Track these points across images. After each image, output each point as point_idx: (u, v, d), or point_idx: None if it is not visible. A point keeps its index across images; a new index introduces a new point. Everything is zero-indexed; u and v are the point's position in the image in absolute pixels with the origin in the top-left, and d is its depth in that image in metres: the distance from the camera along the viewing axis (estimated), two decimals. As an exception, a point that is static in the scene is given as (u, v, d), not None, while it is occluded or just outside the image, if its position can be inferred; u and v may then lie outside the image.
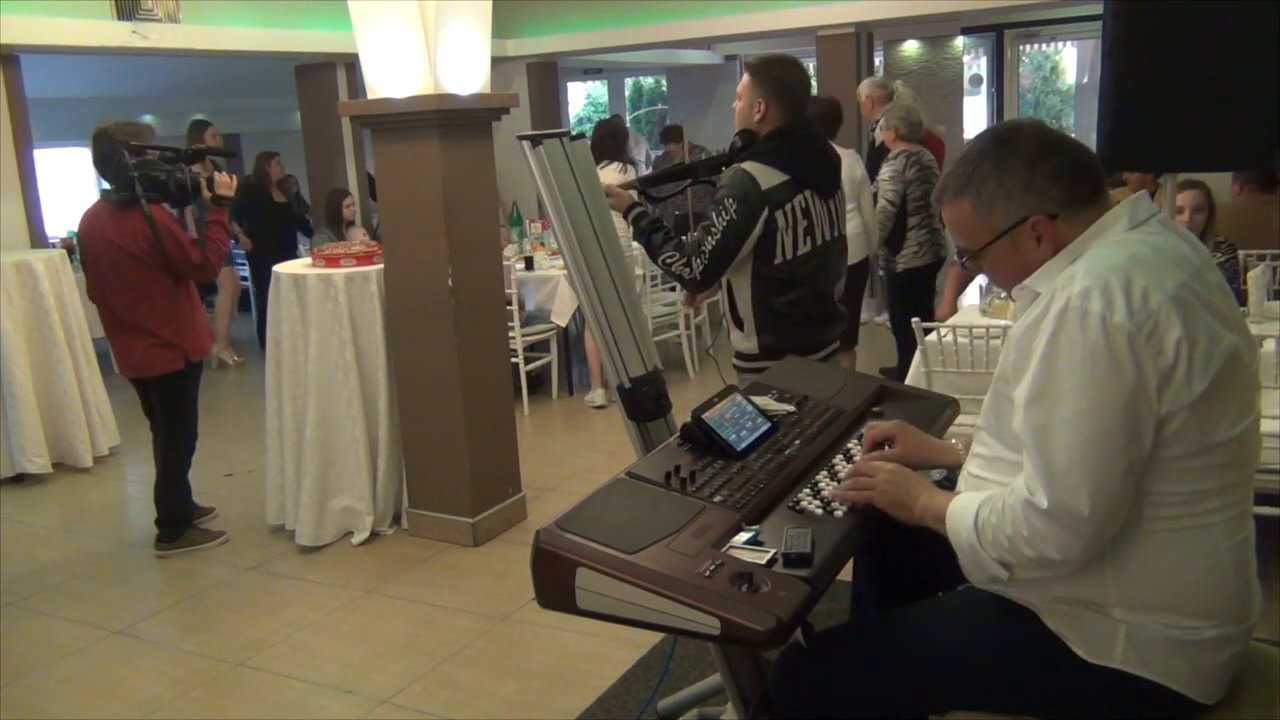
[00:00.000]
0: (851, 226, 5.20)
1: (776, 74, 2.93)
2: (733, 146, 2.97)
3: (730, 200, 2.83)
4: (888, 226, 5.44)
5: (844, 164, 5.13)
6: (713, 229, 2.84)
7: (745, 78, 2.97)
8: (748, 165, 2.87)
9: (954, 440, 2.03)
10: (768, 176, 2.85)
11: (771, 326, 2.95)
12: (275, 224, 8.03)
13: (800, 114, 2.97)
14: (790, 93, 2.93)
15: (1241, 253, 4.05)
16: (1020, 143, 1.66)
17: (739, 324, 3.01)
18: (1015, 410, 1.58)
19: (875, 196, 5.48)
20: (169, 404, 4.16)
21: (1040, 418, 1.53)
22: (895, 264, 5.60)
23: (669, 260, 2.90)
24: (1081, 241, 1.62)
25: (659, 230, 2.98)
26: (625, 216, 2.95)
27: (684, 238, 2.97)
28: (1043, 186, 1.63)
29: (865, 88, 6.25)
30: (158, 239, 3.89)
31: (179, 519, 4.26)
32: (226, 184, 4.07)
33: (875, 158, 5.98)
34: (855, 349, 5.62)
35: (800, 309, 2.95)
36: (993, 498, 1.61)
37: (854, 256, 5.23)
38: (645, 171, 9.27)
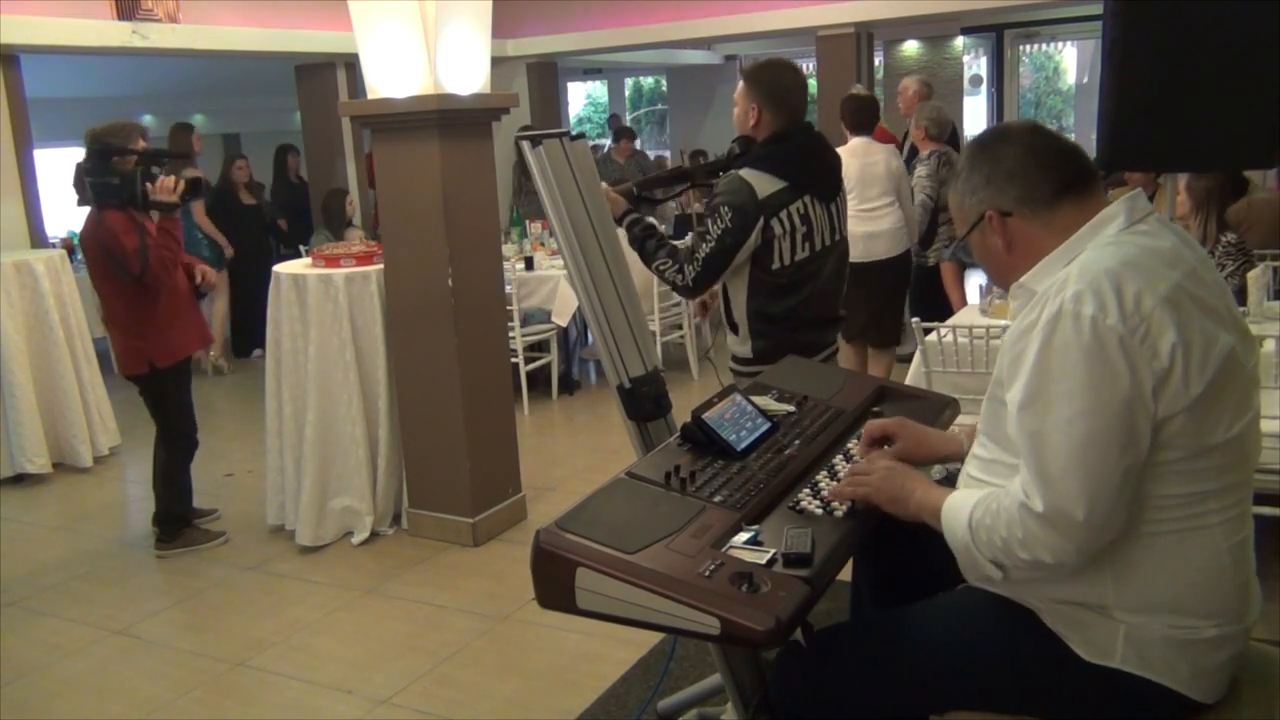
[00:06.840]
0: (890, 220, 5.22)
1: (769, 78, 2.90)
2: (730, 152, 2.94)
3: (725, 208, 2.79)
4: (925, 221, 5.62)
5: (881, 158, 5.22)
6: (708, 236, 2.82)
7: (740, 84, 2.94)
8: (744, 172, 2.83)
9: (957, 429, 2.03)
10: (765, 184, 2.81)
11: (765, 332, 2.93)
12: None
13: (797, 117, 2.93)
14: (784, 96, 2.90)
15: (1269, 254, 4.02)
16: (999, 142, 1.70)
17: (734, 328, 2.99)
18: (1010, 415, 1.57)
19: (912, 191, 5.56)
20: (148, 403, 4.19)
21: (1034, 422, 1.52)
22: (926, 258, 5.82)
23: (662, 267, 2.89)
24: (1077, 241, 1.62)
25: (652, 237, 2.97)
26: (620, 222, 2.92)
27: (677, 244, 2.96)
28: (1000, 183, 1.66)
29: (913, 83, 6.40)
30: (103, 245, 3.88)
31: (174, 517, 4.27)
32: (166, 189, 3.86)
33: (909, 156, 6.06)
34: (894, 349, 5.47)
35: (795, 315, 2.92)
36: (988, 497, 1.61)
37: (894, 250, 5.27)
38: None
